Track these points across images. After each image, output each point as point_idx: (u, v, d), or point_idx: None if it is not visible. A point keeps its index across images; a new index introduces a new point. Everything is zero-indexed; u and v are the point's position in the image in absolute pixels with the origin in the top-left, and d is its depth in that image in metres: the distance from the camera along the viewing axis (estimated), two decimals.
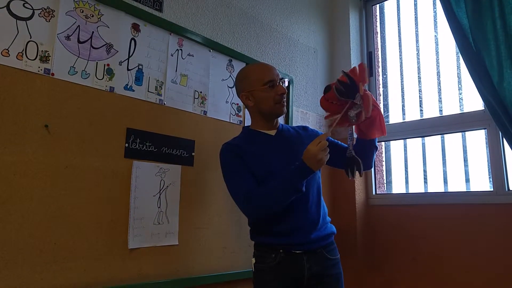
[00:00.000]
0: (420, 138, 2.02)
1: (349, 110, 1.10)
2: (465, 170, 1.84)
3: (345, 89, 1.09)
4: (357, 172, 1.13)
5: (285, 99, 1.22)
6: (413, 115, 2.08)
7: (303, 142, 1.17)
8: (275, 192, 1.09)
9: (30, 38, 1.09)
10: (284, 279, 1.13)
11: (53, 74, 1.12)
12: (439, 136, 1.94)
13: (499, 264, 1.60)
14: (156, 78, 1.37)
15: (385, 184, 2.15)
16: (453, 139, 1.91)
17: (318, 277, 1.15)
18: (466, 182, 1.83)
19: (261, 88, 1.19)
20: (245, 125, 1.60)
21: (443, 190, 1.89)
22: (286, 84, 1.24)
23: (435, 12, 2.04)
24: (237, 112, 1.65)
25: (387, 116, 2.20)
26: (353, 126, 1.15)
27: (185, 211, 1.39)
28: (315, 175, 1.22)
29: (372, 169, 2.12)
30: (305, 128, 1.33)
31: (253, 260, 1.19)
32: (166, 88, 1.40)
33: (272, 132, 1.25)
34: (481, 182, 1.78)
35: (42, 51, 1.10)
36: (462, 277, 1.69)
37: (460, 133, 1.87)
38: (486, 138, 1.77)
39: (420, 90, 2.07)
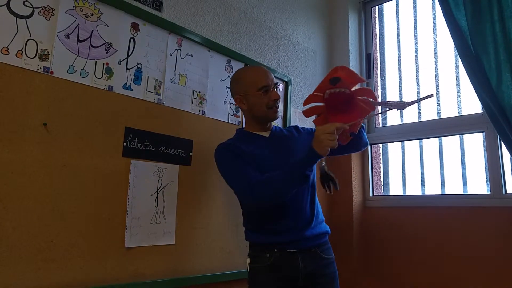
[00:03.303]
0: (418, 140, 2.02)
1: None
2: (462, 173, 1.85)
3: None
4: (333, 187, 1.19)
5: (278, 104, 1.23)
6: (411, 117, 2.08)
7: (297, 141, 1.17)
8: (280, 178, 1.06)
9: (30, 36, 1.09)
10: (279, 279, 1.13)
11: (52, 73, 1.12)
12: (437, 138, 1.95)
13: (496, 267, 1.61)
14: (155, 78, 1.38)
15: (382, 186, 2.16)
16: (451, 142, 1.91)
17: (313, 276, 1.15)
18: (463, 185, 1.84)
19: (255, 93, 1.19)
20: (244, 125, 1.60)
21: (440, 193, 1.90)
22: (281, 88, 1.25)
23: (434, 14, 2.05)
24: (235, 112, 1.65)
25: (385, 118, 2.21)
26: None
27: (183, 210, 1.39)
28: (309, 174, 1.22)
29: (370, 171, 2.13)
30: (296, 127, 1.34)
31: (248, 260, 1.20)
32: (165, 88, 1.40)
33: (266, 134, 1.26)
34: (479, 185, 1.78)
35: (41, 49, 1.11)
36: (459, 280, 1.69)
37: (458, 135, 1.88)
38: (484, 141, 1.78)
39: (418, 93, 2.08)
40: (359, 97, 1.04)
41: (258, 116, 1.23)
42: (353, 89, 1.05)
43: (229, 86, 1.63)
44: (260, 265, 1.15)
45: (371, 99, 1.04)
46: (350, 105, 1.04)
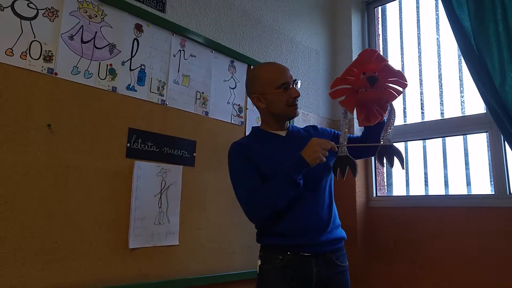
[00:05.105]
0: (421, 141, 2.02)
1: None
2: (466, 173, 1.84)
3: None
4: (348, 173, 1.08)
5: (297, 101, 1.17)
6: (414, 117, 2.08)
7: None
8: (273, 188, 1.06)
9: (34, 37, 1.09)
10: (290, 282, 1.08)
11: (56, 74, 1.13)
12: (441, 139, 1.94)
13: (499, 268, 1.60)
14: (158, 79, 1.38)
15: (385, 186, 2.15)
16: (454, 142, 1.91)
17: (326, 283, 1.10)
18: (467, 185, 1.83)
19: (274, 91, 1.13)
20: (247, 125, 1.60)
21: (444, 193, 1.89)
22: (299, 86, 1.19)
23: (437, 14, 2.05)
24: (238, 113, 1.65)
25: None
26: (346, 123, 1.13)
27: (186, 211, 1.39)
28: (327, 176, 1.18)
29: (373, 171, 2.12)
30: (314, 127, 1.29)
31: (259, 262, 1.14)
32: (168, 89, 1.40)
33: (283, 133, 1.21)
34: (483, 186, 1.78)
35: (45, 50, 1.11)
36: (462, 281, 1.68)
37: (462, 136, 1.87)
38: (487, 141, 1.77)
39: (421, 93, 2.07)
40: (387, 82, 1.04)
41: (277, 114, 1.17)
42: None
43: (232, 87, 1.63)
44: (271, 266, 1.10)
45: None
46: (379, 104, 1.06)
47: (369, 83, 1.02)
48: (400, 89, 1.06)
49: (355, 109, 1.07)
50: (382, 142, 1.09)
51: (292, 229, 1.10)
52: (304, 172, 1.05)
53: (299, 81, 1.19)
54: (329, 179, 1.20)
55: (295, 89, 1.16)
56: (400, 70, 1.10)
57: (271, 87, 1.14)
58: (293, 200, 1.09)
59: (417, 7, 2.15)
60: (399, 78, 1.06)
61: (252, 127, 1.29)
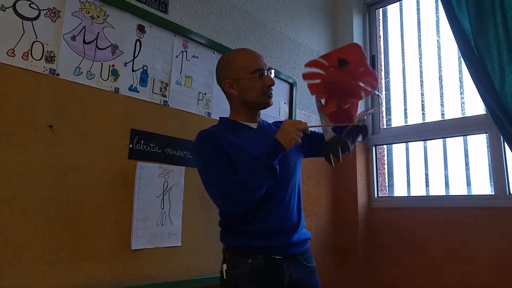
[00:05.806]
0: (422, 142, 2.03)
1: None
2: (466, 173, 1.85)
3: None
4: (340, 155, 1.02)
5: (272, 91, 1.12)
6: (415, 118, 2.09)
7: None
8: (249, 177, 0.99)
9: (36, 38, 1.09)
10: (261, 287, 1.02)
11: (58, 75, 1.12)
12: (441, 139, 1.95)
13: (499, 269, 1.61)
14: (160, 80, 1.37)
15: (387, 187, 2.16)
16: (454, 143, 1.92)
17: (298, 285, 1.06)
18: (467, 185, 1.84)
19: (248, 77, 1.08)
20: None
21: (444, 194, 1.90)
22: (273, 75, 1.14)
23: (437, 16, 2.06)
24: None
25: (390, 120, 2.21)
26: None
27: (189, 212, 1.38)
28: (295, 175, 1.14)
29: (374, 172, 2.13)
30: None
31: (224, 267, 1.06)
32: (171, 90, 1.40)
33: (254, 125, 1.15)
34: (483, 186, 1.79)
35: (47, 51, 1.10)
36: (463, 281, 1.69)
37: (462, 137, 1.88)
38: (487, 142, 1.78)
39: (422, 94, 2.08)
40: (361, 83, 1.01)
41: (251, 102, 1.11)
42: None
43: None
44: (239, 271, 1.03)
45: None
46: (348, 92, 1.03)
47: (338, 64, 0.98)
48: (369, 89, 1.00)
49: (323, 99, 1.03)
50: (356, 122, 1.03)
51: (262, 228, 1.04)
52: (280, 157, 0.99)
53: (273, 70, 1.15)
54: (299, 177, 1.17)
55: (270, 77, 1.11)
56: (376, 73, 1.07)
57: (245, 73, 1.09)
58: (264, 198, 1.04)
59: (418, 9, 2.16)
60: (372, 76, 1.01)
61: (220, 117, 1.23)
